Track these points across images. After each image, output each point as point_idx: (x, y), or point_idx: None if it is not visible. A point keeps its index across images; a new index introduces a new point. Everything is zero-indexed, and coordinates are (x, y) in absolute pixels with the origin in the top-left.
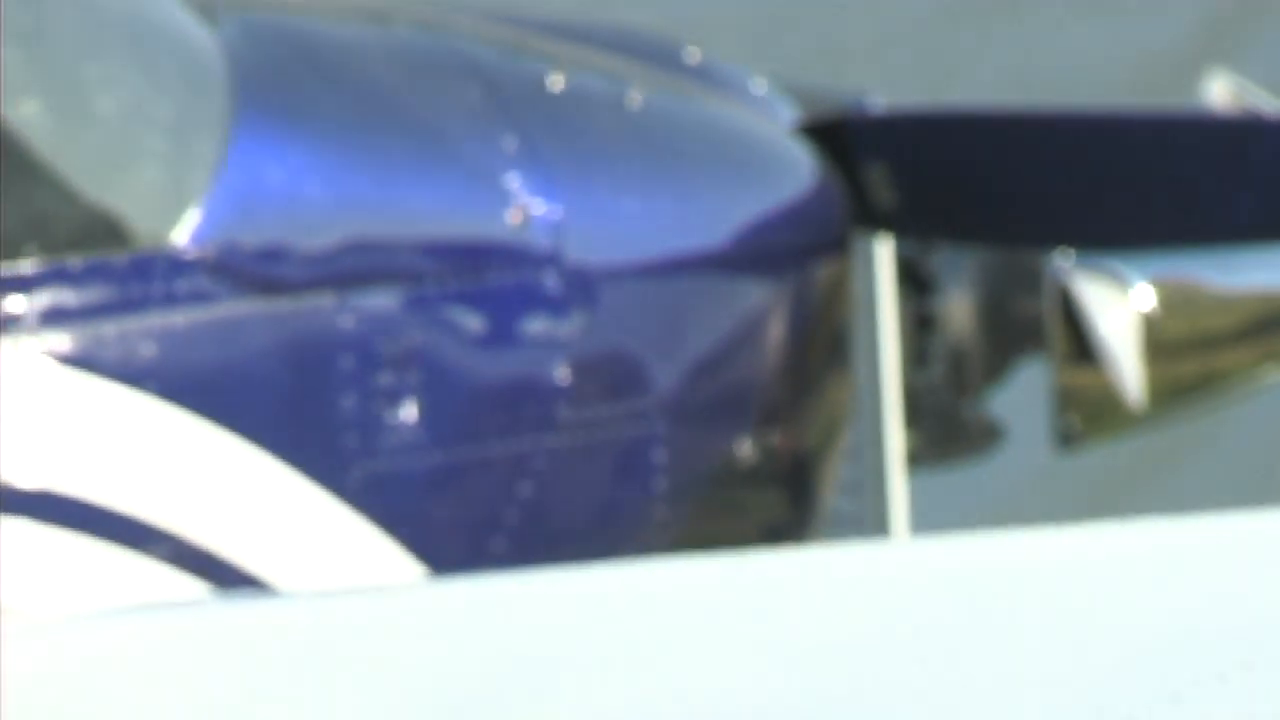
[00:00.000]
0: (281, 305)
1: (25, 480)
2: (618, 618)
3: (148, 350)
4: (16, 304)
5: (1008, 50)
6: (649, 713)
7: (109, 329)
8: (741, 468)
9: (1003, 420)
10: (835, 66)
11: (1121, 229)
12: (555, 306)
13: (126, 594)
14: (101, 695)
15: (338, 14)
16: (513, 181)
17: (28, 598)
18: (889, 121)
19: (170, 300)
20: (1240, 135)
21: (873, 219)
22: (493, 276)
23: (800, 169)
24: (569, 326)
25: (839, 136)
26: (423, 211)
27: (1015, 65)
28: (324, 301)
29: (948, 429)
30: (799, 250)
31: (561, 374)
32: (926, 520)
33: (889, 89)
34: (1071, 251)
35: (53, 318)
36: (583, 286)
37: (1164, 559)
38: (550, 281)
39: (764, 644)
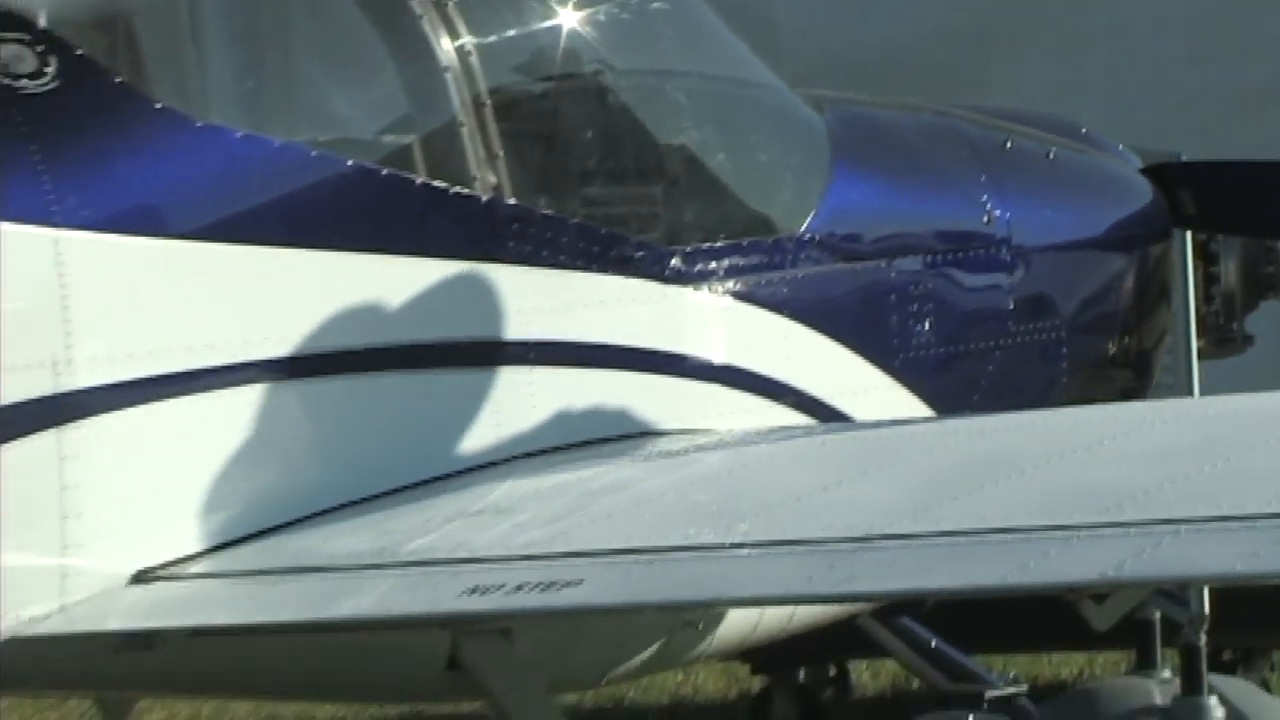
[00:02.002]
0: (856, 266)
1: (714, 356)
2: (1039, 441)
3: (784, 291)
4: (712, 265)
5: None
6: (1055, 493)
7: (762, 278)
8: (1110, 358)
9: (1253, 333)
10: (1156, 138)
11: None
12: (1007, 267)
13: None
14: (754, 476)
15: (890, 105)
16: (985, 199)
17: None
18: (1192, 166)
19: (796, 263)
20: None
21: (1183, 221)
22: (973, 250)
23: (1143, 192)
24: (1014, 278)
25: (1164, 175)
26: (936, 215)
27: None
28: (880, 264)
29: (1222, 338)
30: (1143, 237)
31: (1010, 304)
32: (1210, 389)
33: (1189, 149)
34: None
35: (733, 272)
36: (1023, 256)
37: None
38: (1004, 253)
39: (1121, 452)
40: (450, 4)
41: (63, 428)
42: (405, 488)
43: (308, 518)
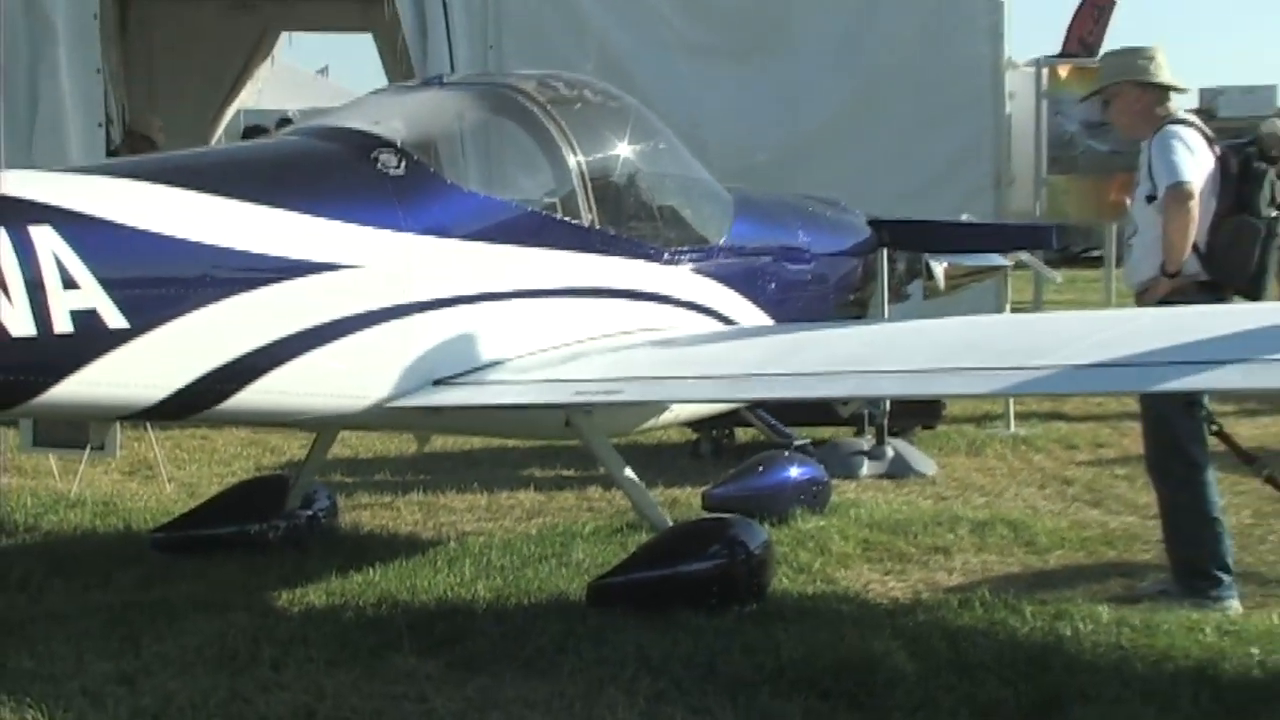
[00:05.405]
0: (744, 259)
1: (685, 297)
2: (823, 335)
3: (714, 269)
4: (683, 258)
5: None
6: (830, 357)
7: (705, 264)
8: (850, 302)
9: (911, 293)
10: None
11: (935, 246)
12: (808, 261)
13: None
14: (700, 346)
15: (761, 191)
16: (800, 233)
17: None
18: (886, 221)
19: (718, 257)
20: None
21: (882, 243)
22: (794, 255)
23: (866, 230)
24: (811, 266)
25: (874, 222)
26: (780, 239)
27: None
28: (755, 259)
29: (899, 295)
30: (866, 249)
31: (809, 278)
32: (894, 318)
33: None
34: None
35: (691, 260)
36: (815, 257)
37: None
38: (807, 257)
39: (858, 341)
40: (569, 132)
41: (407, 319)
42: (544, 350)
43: (511, 358)
